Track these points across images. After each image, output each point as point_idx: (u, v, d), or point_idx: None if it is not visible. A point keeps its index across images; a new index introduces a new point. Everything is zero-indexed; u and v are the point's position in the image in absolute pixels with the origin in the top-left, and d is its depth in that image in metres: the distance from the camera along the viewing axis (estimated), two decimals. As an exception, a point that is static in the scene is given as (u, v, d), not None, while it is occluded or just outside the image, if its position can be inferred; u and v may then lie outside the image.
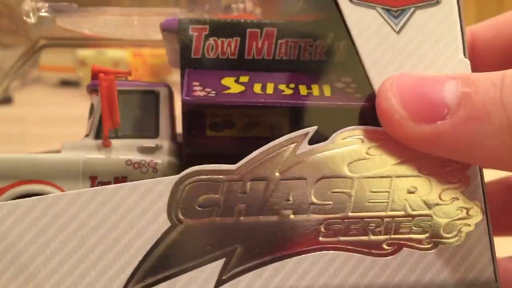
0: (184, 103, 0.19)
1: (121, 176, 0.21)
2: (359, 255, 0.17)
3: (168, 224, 0.17)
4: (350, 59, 0.21)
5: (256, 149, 0.19)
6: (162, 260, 0.17)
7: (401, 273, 0.18)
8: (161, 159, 0.21)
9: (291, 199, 0.17)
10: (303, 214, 0.17)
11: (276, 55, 0.21)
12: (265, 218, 0.17)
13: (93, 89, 0.22)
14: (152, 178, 0.20)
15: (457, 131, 0.16)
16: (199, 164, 0.20)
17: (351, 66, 0.21)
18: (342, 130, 0.18)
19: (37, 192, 0.20)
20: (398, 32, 0.19)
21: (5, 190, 0.20)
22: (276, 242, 0.17)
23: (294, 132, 0.18)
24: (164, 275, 0.17)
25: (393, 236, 0.18)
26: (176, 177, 0.17)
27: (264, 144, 0.19)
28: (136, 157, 0.21)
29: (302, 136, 0.18)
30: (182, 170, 0.20)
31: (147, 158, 0.21)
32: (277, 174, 0.17)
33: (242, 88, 0.20)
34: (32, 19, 0.23)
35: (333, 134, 0.18)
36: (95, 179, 0.20)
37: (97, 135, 0.21)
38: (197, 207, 0.17)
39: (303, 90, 0.20)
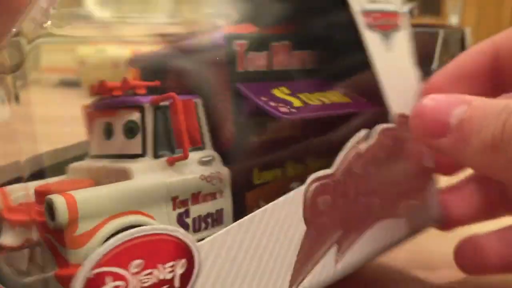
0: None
1: (196, 191, 0.21)
2: (391, 219, 0.24)
3: (305, 227, 0.20)
4: (332, 66, 0.27)
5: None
6: (305, 257, 0.20)
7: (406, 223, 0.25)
8: (222, 169, 0.22)
9: (365, 187, 0.23)
10: (370, 196, 0.23)
11: (290, 65, 0.25)
12: (355, 205, 0.22)
13: (134, 105, 0.21)
14: (219, 189, 0.22)
15: (451, 147, 0.21)
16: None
17: (335, 73, 0.27)
18: (376, 128, 0.24)
19: (133, 224, 0.19)
20: (388, 51, 0.26)
21: (97, 230, 0.18)
22: (362, 221, 0.22)
23: (355, 135, 0.23)
24: (308, 270, 0.20)
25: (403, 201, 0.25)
26: (302, 187, 0.20)
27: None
28: (204, 171, 0.22)
29: (360, 137, 0.23)
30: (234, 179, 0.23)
31: (212, 170, 0.22)
32: (354, 170, 0.22)
33: (298, 101, 0.23)
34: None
35: (371, 132, 0.24)
36: (176, 198, 0.21)
37: (156, 154, 0.21)
38: (317, 208, 0.21)
39: (332, 97, 0.24)
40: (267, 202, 0.20)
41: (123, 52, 0.22)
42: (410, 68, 0.26)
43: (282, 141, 0.24)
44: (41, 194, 0.19)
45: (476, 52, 0.27)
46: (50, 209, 0.17)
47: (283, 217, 0.19)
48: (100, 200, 0.18)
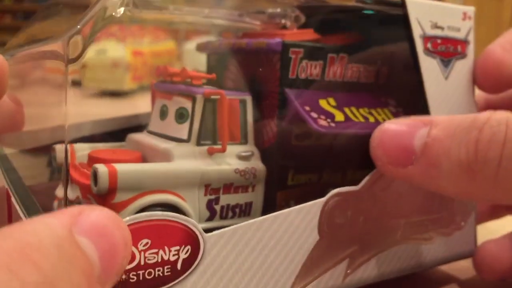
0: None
1: (229, 182, 0.23)
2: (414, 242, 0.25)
3: (318, 237, 0.21)
4: (389, 82, 0.27)
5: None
6: (313, 264, 0.21)
7: (435, 251, 0.26)
8: (259, 165, 0.24)
9: (391, 207, 0.23)
10: (395, 218, 0.24)
11: (344, 77, 0.26)
12: (377, 224, 0.23)
13: (188, 94, 0.23)
14: (251, 183, 0.24)
15: (422, 175, 0.20)
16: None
17: (391, 89, 0.27)
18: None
19: (164, 202, 0.21)
20: (446, 79, 0.25)
21: (131, 202, 0.21)
22: (382, 240, 0.23)
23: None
24: (314, 276, 0.21)
25: (433, 228, 0.25)
26: (324, 199, 0.21)
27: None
28: (240, 165, 0.23)
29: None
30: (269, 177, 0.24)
31: (248, 165, 0.24)
32: (379, 190, 0.23)
33: (342, 115, 0.24)
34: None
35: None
36: (209, 186, 0.23)
37: (199, 142, 0.23)
38: (334, 221, 0.22)
39: (378, 116, 0.25)
40: (297, 204, 0.21)
41: (123, 53, 0.23)
42: (466, 99, 0.26)
43: (324, 148, 0.25)
44: (92, 160, 0.22)
45: None
46: (95, 176, 0.20)
47: (296, 224, 0.21)
48: (139, 175, 0.21)
